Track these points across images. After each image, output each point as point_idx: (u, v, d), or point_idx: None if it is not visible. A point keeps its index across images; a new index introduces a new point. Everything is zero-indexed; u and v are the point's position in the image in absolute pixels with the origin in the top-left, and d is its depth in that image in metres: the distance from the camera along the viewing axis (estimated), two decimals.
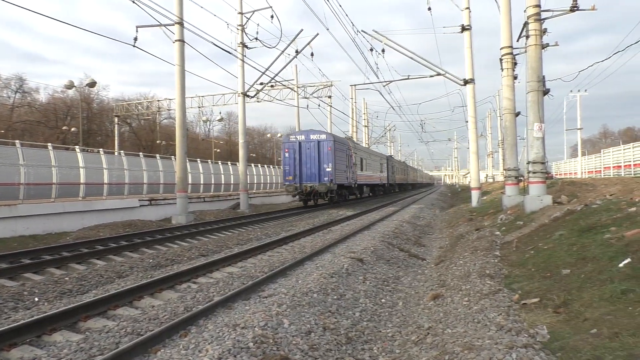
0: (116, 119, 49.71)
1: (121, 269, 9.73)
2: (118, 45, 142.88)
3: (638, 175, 28.44)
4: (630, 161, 31.91)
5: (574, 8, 14.04)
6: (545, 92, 14.37)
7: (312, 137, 26.31)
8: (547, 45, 14.46)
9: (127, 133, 70.91)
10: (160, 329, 5.42)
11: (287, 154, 26.50)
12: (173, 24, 19.51)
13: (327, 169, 25.73)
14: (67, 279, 8.74)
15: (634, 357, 3.36)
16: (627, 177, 25.45)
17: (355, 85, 44.91)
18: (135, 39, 18.75)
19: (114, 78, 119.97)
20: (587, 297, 4.97)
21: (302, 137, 26.56)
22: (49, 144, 20.24)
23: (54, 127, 60.53)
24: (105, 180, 21.95)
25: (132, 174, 24.15)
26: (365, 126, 56.96)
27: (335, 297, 6.96)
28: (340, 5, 18.41)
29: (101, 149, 23.63)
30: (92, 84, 36.16)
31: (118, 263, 10.43)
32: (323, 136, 26.48)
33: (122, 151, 27.56)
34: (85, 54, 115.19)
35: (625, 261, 5.52)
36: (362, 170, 33.62)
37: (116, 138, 48.49)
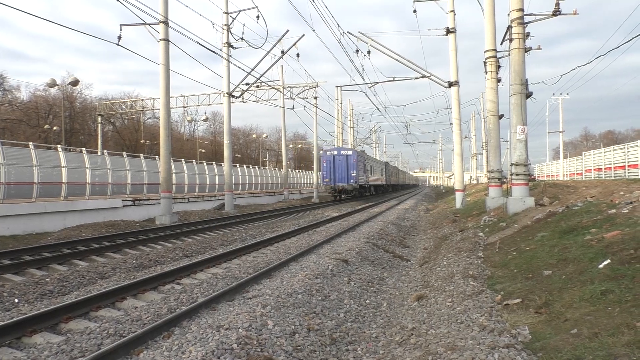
0: (99, 118, 49.13)
1: (104, 270, 9.63)
2: (102, 43, 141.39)
3: (618, 177, 28.91)
4: (610, 164, 32.41)
5: (556, 12, 14.24)
6: (528, 95, 14.54)
7: (342, 152, 37.42)
8: (530, 48, 14.65)
9: (110, 132, 70.08)
10: (143, 331, 5.37)
11: (324, 164, 37.36)
12: (158, 23, 19.36)
13: (353, 174, 36.59)
14: (48, 280, 8.63)
15: (612, 357, 3.42)
16: (608, 180, 25.86)
17: (341, 86, 44.93)
18: (119, 37, 18.55)
19: (97, 77, 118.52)
20: (567, 298, 5.04)
21: (335, 153, 37.47)
22: (31, 142, 19.95)
23: (36, 125, 59.58)
24: (88, 180, 21.68)
25: (116, 174, 23.90)
26: (350, 127, 57.06)
27: (319, 298, 6.97)
28: (326, 7, 18.41)
29: (84, 149, 23.34)
30: (75, 83, 35.70)
31: (100, 264, 10.32)
32: (350, 152, 37.65)
33: (105, 151, 27.24)
34: (68, 52, 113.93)
35: (605, 262, 5.61)
36: (371, 174, 44.35)
37: (99, 137, 47.90)
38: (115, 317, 6.34)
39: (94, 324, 6.09)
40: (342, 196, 39.13)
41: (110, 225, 17.61)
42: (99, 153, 26.54)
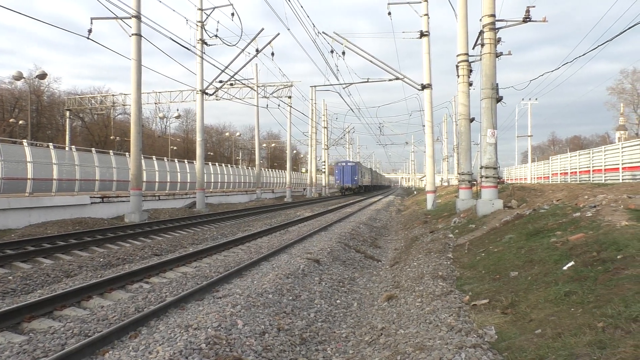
0: (68, 113, 47.99)
1: (69, 268, 9.41)
2: (72, 36, 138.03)
3: (583, 181, 29.73)
4: (576, 168, 33.31)
5: (527, 19, 14.55)
6: (499, 99, 14.82)
7: (349, 163, 57.36)
8: (501, 54, 14.93)
9: (79, 128, 68.47)
10: (109, 330, 5.28)
11: (337, 171, 58.06)
12: (130, 17, 19.00)
13: (355, 178, 56.26)
14: (10, 278, 8.39)
15: (574, 357, 3.51)
16: (573, 184, 26.56)
17: (315, 86, 45.08)
18: (90, 31, 18.16)
19: (67, 71, 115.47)
20: (533, 299, 5.15)
21: (344, 163, 57.44)
22: None
23: (1, 119, 57.82)
24: (55, 176, 21.13)
25: (84, 170, 23.36)
26: (324, 127, 57.27)
27: (290, 297, 6.96)
28: (301, 6, 18.38)
29: (51, 144, 22.72)
30: (43, 76, 34.71)
31: (66, 262, 10.09)
32: (353, 163, 57.91)
33: (73, 146, 26.60)
34: (37, 44, 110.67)
35: (569, 264, 5.75)
36: (363, 178, 62.34)
37: (67, 132, 46.75)
38: (81, 316, 6.21)
39: (58, 324, 5.94)
40: (346, 192, 57.88)
41: (78, 222, 17.22)
42: (67, 148, 25.91)
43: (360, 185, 59.04)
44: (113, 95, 46.28)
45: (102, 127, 68.48)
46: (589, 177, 30.20)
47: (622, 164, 25.12)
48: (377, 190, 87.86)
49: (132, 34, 19.35)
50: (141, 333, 5.50)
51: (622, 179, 24.39)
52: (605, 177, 27.55)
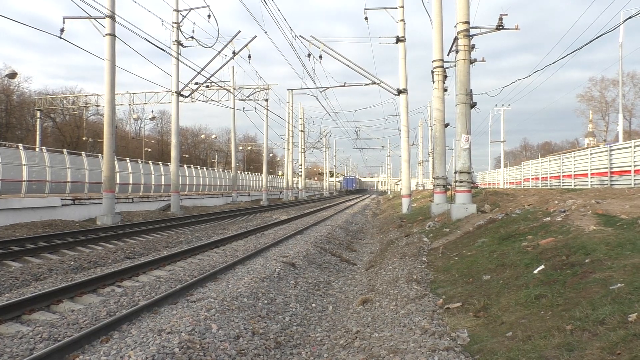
0: (38, 113, 46.90)
1: (39, 271, 9.20)
2: (45, 35, 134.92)
3: (553, 187, 30.38)
4: (546, 173, 34.03)
5: (500, 27, 14.83)
6: (472, 105, 15.05)
7: (350, 177, 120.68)
8: (475, 60, 15.17)
9: (50, 128, 66.93)
10: (80, 335, 5.17)
11: (344, 180, 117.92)
12: (104, 17, 18.70)
13: (354, 185, 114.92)
14: None
15: (544, 359, 3.58)
16: (544, 189, 27.13)
17: (292, 89, 45.05)
18: (62, 30, 17.83)
19: (39, 70, 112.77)
20: (504, 302, 5.24)
21: (347, 177, 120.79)
22: None
23: None
24: (24, 177, 20.64)
25: (55, 172, 22.86)
26: (301, 131, 57.26)
27: (265, 301, 6.94)
28: (278, 9, 18.38)
29: (20, 144, 22.18)
30: (13, 75, 33.88)
31: (35, 265, 9.86)
32: (352, 177, 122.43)
33: (44, 147, 26.01)
34: (8, 42, 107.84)
35: (539, 268, 5.88)
36: (356, 185, 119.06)
37: (38, 133, 45.69)
38: (50, 320, 6.07)
39: (27, 328, 5.80)
40: (346, 193, 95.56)
41: (48, 224, 16.85)
42: (37, 149, 25.34)
43: (355, 189, 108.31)
44: (86, 95, 45.43)
45: (74, 128, 67.11)
46: (559, 182, 30.87)
47: (591, 169, 25.76)
48: (359, 193, 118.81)
49: (106, 34, 19.06)
50: (113, 337, 5.41)
51: (591, 185, 25.02)
52: (574, 182, 28.20)
